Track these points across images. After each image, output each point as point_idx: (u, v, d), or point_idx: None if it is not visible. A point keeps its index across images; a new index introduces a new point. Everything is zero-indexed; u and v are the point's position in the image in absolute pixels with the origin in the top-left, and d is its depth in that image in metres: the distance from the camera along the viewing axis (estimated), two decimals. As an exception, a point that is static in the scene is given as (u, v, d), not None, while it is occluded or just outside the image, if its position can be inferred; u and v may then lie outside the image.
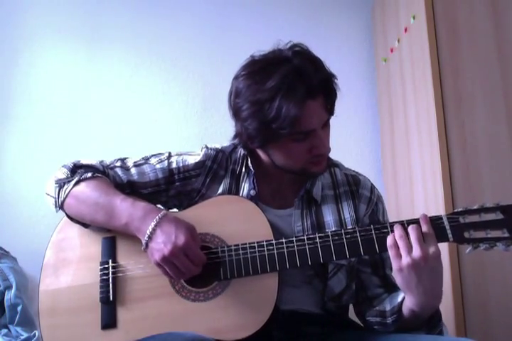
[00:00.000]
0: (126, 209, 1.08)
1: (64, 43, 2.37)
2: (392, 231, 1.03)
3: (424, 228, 1.02)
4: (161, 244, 1.02)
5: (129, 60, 2.39)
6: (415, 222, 1.04)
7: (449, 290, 1.61)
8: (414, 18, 1.93)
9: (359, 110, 2.46)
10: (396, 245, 1.00)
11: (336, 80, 1.11)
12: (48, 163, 2.14)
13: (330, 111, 1.11)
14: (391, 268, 1.20)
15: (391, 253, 1.00)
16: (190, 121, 2.37)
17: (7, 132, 2.25)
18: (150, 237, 1.04)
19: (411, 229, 1.01)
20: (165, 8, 2.45)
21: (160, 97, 2.39)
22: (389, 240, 1.01)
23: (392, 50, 2.21)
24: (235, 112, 1.13)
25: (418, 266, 0.98)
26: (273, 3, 2.52)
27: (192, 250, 1.03)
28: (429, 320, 1.09)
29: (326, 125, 1.12)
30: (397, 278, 1.02)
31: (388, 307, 1.13)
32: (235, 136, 1.19)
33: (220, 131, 2.29)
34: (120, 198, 1.10)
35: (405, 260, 0.98)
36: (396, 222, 1.05)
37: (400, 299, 1.10)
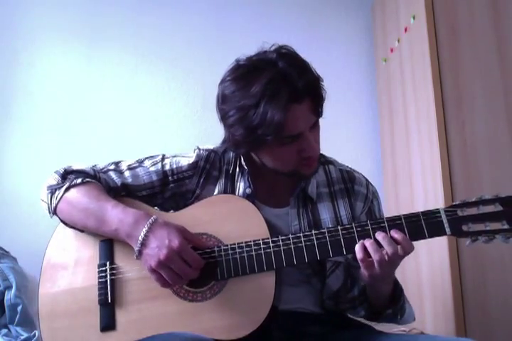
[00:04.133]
0: (116, 215, 1.07)
1: (64, 43, 2.38)
2: (390, 226, 1.04)
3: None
4: (156, 249, 1.01)
5: (129, 60, 2.40)
6: (414, 216, 1.04)
7: (449, 290, 1.61)
8: (414, 18, 1.93)
9: (359, 110, 2.46)
10: (366, 256, 1.02)
11: (322, 82, 1.10)
12: (48, 163, 2.14)
13: (317, 113, 1.10)
14: None
15: (362, 264, 1.03)
16: (190, 121, 2.37)
17: (8, 132, 2.25)
18: (143, 243, 1.03)
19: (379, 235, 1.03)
20: (165, 8, 2.46)
21: (160, 97, 2.39)
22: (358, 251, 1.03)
23: (392, 50, 2.22)
24: (222, 118, 1.13)
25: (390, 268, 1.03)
26: (273, 3, 2.52)
27: (188, 253, 1.02)
28: (392, 294, 1.12)
29: (314, 127, 1.11)
30: (366, 278, 1.06)
31: (356, 292, 1.18)
32: (223, 142, 1.20)
33: (220, 132, 2.27)
34: (111, 204, 1.10)
35: (377, 269, 1.02)
36: (393, 218, 1.05)
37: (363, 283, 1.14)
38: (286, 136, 1.06)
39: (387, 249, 1.00)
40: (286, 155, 1.11)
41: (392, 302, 1.14)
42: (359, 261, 1.03)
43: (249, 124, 1.05)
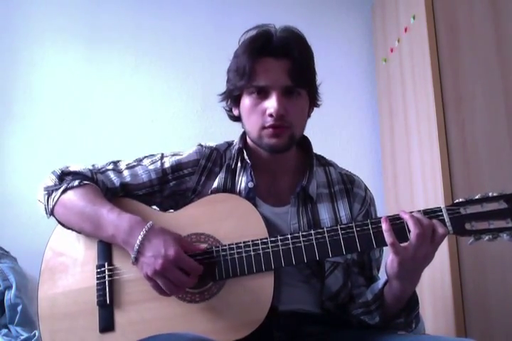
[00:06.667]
0: (112, 220, 1.07)
1: (64, 43, 2.38)
2: (391, 224, 1.01)
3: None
4: (152, 258, 1.00)
5: (129, 60, 2.40)
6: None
7: (449, 290, 1.61)
8: (414, 18, 1.93)
9: (359, 110, 2.45)
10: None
11: (311, 54, 1.17)
12: (48, 163, 2.14)
13: (296, 80, 1.11)
14: (378, 269, 1.20)
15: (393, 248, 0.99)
16: (190, 121, 2.37)
17: (8, 132, 2.26)
18: (139, 251, 1.02)
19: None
20: (165, 8, 2.45)
21: (160, 97, 2.39)
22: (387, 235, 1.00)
23: (392, 50, 2.22)
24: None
25: (423, 259, 1.00)
26: (273, 3, 2.51)
27: (185, 261, 1.01)
28: (407, 303, 1.09)
29: (290, 95, 1.12)
30: (394, 268, 1.01)
31: (370, 297, 1.13)
32: (223, 95, 1.23)
33: (220, 131, 2.29)
34: (107, 209, 1.09)
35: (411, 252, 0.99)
36: (395, 216, 1.03)
37: (380, 286, 1.10)
38: (253, 85, 1.11)
39: (425, 221, 0.98)
40: (253, 111, 1.13)
41: (406, 311, 1.10)
42: (391, 246, 0.98)
43: (230, 69, 1.17)
